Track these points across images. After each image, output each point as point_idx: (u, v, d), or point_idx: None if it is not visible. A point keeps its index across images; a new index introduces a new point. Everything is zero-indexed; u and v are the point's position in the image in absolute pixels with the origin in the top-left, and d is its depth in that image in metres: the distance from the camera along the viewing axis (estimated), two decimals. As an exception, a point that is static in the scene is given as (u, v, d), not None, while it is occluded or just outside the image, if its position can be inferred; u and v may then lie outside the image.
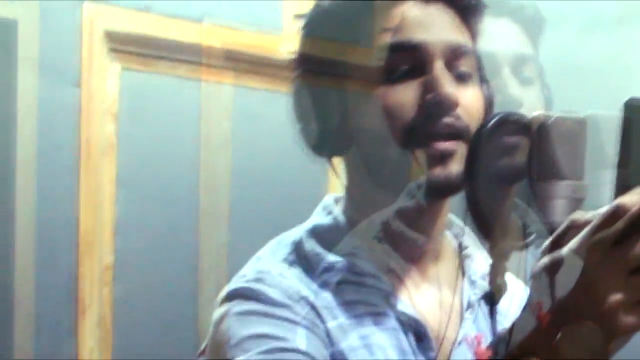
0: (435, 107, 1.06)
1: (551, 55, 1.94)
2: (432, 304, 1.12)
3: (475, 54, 1.12)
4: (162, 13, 2.02)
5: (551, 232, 0.91)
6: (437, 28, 1.09)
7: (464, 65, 1.09)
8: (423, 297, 1.12)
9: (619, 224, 0.82)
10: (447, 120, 1.06)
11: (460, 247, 1.18)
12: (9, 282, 1.85)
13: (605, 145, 1.41)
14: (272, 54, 2.12)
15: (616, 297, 0.82)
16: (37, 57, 1.88)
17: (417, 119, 1.06)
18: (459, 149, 1.06)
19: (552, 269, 0.85)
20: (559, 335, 0.84)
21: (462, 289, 1.15)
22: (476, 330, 1.12)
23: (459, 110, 1.07)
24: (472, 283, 1.16)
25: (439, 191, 1.08)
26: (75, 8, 1.92)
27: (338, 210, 1.16)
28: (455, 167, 1.05)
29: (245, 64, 2.16)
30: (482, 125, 0.97)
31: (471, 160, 0.96)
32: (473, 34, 1.12)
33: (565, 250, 0.84)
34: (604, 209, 0.84)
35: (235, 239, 2.13)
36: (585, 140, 0.94)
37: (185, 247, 2.09)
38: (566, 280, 0.83)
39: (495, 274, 0.99)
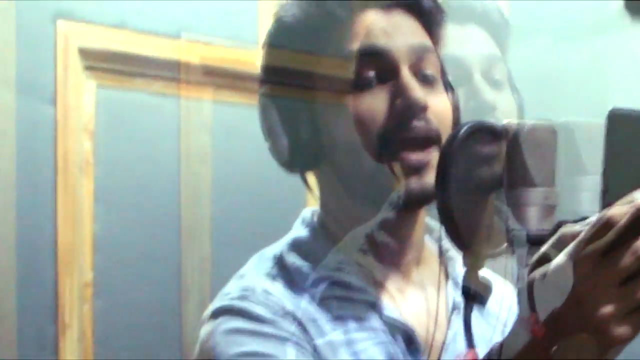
0: (405, 111, 1.07)
1: (527, 63, 1.95)
2: (419, 308, 1.13)
3: (439, 58, 1.13)
4: (137, 29, 2.03)
5: (527, 239, 0.91)
6: (400, 34, 1.10)
7: (429, 68, 1.11)
8: (409, 303, 1.13)
9: (609, 236, 0.82)
10: (418, 124, 1.08)
11: (441, 250, 1.19)
12: (-11, 300, 1.84)
13: (580, 152, 1.42)
14: (251, 68, 2.12)
15: (608, 308, 0.82)
16: (13, 74, 1.88)
17: (388, 125, 1.07)
18: (433, 157, 1.07)
19: (540, 282, 0.85)
20: (553, 349, 0.84)
21: (447, 291, 1.16)
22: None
23: (429, 115, 1.08)
24: (457, 285, 1.16)
25: (415, 202, 1.09)
26: (50, 25, 1.92)
27: (316, 223, 1.16)
28: (431, 177, 1.05)
29: (223, 78, 2.16)
30: (454, 135, 0.97)
31: (443, 170, 0.96)
32: (436, 40, 1.14)
33: (554, 263, 0.84)
34: (592, 220, 0.84)
35: (218, 253, 2.13)
36: (556, 147, 0.95)
37: (167, 262, 2.08)
38: (557, 294, 0.83)
39: (468, 281, 0.99)
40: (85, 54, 1.96)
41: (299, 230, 1.17)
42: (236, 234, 2.12)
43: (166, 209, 2.09)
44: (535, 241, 0.91)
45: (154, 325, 2.04)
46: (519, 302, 0.89)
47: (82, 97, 1.96)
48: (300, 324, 1.06)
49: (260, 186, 2.14)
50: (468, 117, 1.45)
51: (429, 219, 1.17)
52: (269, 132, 1.14)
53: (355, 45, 1.08)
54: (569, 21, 2.15)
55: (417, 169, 1.07)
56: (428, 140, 1.07)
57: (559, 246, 0.86)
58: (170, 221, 2.09)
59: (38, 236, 1.91)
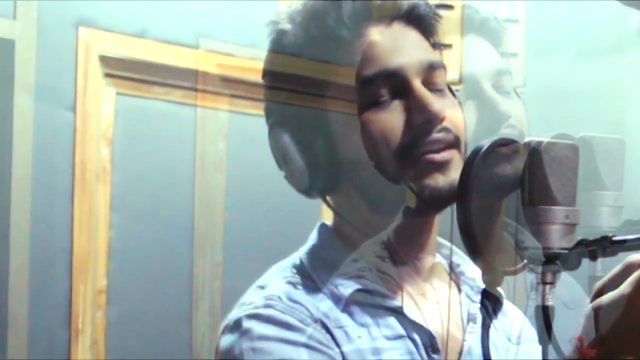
0: (425, 125, 1.08)
1: (546, 80, 1.95)
2: (437, 316, 1.13)
3: (445, 69, 1.13)
4: (157, 38, 2.03)
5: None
6: (407, 50, 1.10)
7: (438, 80, 1.11)
8: (430, 310, 1.13)
9: None
10: (438, 135, 1.08)
11: (451, 266, 1.19)
12: (3, 305, 1.85)
13: (599, 167, 1.41)
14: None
15: None
16: (33, 79, 1.88)
17: (408, 139, 1.07)
18: (454, 157, 1.08)
19: (607, 310, 0.84)
20: None
21: (461, 302, 1.16)
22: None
23: (446, 123, 1.08)
24: (469, 297, 1.16)
25: (443, 199, 1.07)
26: (71, 32, 1.93)
27: (333, 233, 1.16)
28: (455, 174, 1.05)
29: (240, 88, 2.16)
30: (476, 150, 0.96)
31: (464, 185, 0.95)
32: (435, 47, 1.14)
33: (620, 291, 0.83)
34: None
35: (230, 260, 2.13)
36: (577, 165, 0.94)
37: (179, 269, 2.08)
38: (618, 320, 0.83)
39: (486, 297, 0.99)
40: (105, 61, 1.97)
41: (315, 241, 1.16)
42: (248, 242, 2.12)
43: (180, 216, 2.09)
44: (553, 259, 0.90)
45: (166, 331, 2.05)
46: (536, 318, 0.88)
47: (101, 104, 1.96)
48: (328, 331, 1.06)
49: (273, 195, 2.14)
50: (485, 129, 1.46)
51: (438, 237, 1.17)
52: (284, 160, 1.14)
53: (363, 65, 1.08)
54: (587, 39, 2.15)
55: (441, 167, 1.07)
56: (449, 144, 1.08)
57: (625, 274, 0.85)
58: (183, 228, 2.09)
59: (53, 242, 1.91)
